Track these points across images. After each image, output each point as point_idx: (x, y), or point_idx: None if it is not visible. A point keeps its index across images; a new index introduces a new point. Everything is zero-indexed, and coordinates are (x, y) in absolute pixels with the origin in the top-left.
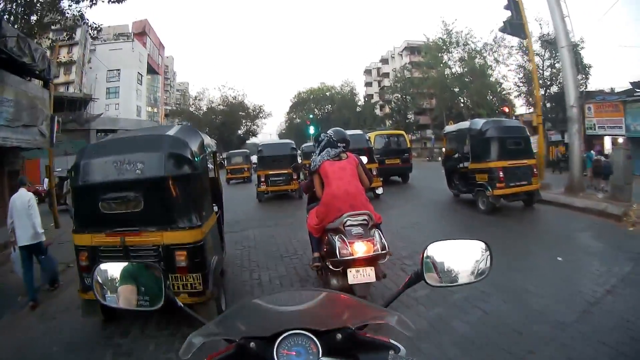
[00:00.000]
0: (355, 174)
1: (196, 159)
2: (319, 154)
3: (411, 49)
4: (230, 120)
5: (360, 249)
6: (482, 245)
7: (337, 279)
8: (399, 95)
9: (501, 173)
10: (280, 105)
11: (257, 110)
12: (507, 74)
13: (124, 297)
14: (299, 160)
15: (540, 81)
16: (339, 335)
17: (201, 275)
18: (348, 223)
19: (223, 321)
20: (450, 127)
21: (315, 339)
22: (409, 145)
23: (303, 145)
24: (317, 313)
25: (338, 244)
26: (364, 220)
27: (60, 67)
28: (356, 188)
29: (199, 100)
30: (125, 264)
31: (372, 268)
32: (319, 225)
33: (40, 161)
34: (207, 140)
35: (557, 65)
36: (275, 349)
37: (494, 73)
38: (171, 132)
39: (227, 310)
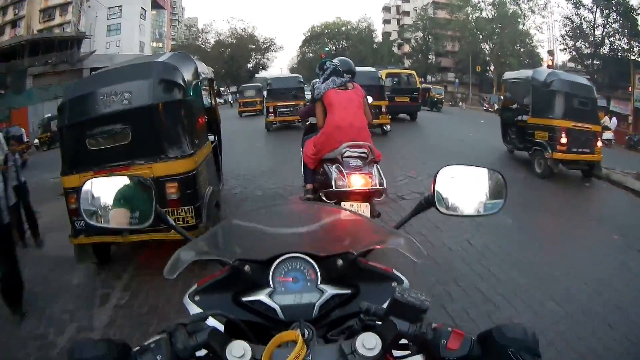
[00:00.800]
0: (361, 106)
1: (188, 84)
2: (324, 82)
3: None
4: (239, 54)
5: (357, 181)
6: (498, 175)
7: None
8: (422, 34)
9: (564, 134)
10: (293, 39)
11: (268, 44)
12: (541, 25)
13: (115, 218)
14: (307, 94)
15: (591, 38)
16: (340, 262)
17: (194, 208)
18: (347, 154)
19: (214, 240)
20: (510, 74)
21: (314, 264)
22: (418, 85)
23: (314, 81)
24: (317, 236)
25: (334, 174)
26: (364, 153)
27: (55, 9)
28: (361, 122)
29: (206, 33)
30: (115, 179)
31: (367, 205)
32: (316, 156)
33: (28, 109)
34: (202, 67)
35: (614, 25)
36: (271, 274)
37: (528, 22)
38: (161, 59)
39: (219, 226)
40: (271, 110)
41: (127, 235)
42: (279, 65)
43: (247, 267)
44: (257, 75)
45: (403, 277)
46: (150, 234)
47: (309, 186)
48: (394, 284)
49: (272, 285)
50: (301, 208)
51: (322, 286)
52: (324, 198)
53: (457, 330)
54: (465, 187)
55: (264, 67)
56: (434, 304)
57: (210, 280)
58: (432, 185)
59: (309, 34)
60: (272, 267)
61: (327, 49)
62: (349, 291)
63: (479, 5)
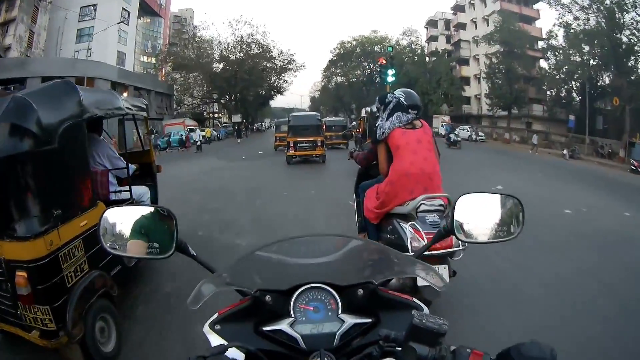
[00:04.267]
0: (432, 149)
1: (49, 129)
2: (387, 118)
3: None
4: (246, 70)
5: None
6: (515, 201)
7: (402, 279)
8: (503, 50)
9: None
10: (314, 59)
11: (287, 61)
12: None
13: (133, 247)
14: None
15: None
16: (361, 291)
17: (50, 309)
18: (422, 208)
19: (236, 270)
20: None
21: (335, 294)
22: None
23: (326, 119)
24: (338, 266)
25: (409, 234)
26: (441, 205)
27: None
28: (433, 167)
29: (196, 40)
30: (134, 208)
31: (446, 267)
32: (380, 210)
33: None
34: (108, 99)
35: None
36: (292, 304)
37: None
38: (21, 92)
39: (240, 258)
40: (292, 145)
41: None
42: (298, 90)
43: (268, 297)
44: (272, 105)
45: (422, 305)
46: (8, 326)
47: None
48: (413, 311)
49: (293, 315)
50: (321, 239)
51: (343, 315)
52: None
53: (477, 351)
54: (483, 214)
55: (279, 91)
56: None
57: (231, 309)
58: (451, 214)
59: (337, 51)
60: (293, 297)
61: (390, 48)
62: (369, 320)
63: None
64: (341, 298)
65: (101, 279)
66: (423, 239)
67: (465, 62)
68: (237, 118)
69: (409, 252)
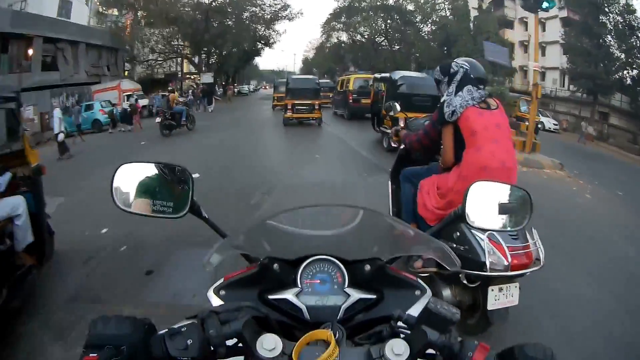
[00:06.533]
0: (511, 136)
1: None
2: (455, 93)
3: None
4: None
5: (519, 259)
6: (524, 192)
7: (459, 295)
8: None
9: None
10: (312, 15)
11: (279, 6)
12: None
13: (145, 206)
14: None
15: None
16: (368, 267)
17: None
18: None
19: (247, 237)
20: None
21: (342, 267)
22: None
23: (323, 80)
24: (347, 239)
25: (486, 247)
26: None
27: None
28: (513, 160)
29: None
30: (151, 165)
31: (517, 285)
32: (445, 211)
33: None
34: None
35: None
36: (299, 274)
37: None
38: None
39: (251, 226)
40: (289, 107)
41: None
42: (289, 47)
43: (275, 266)
44: (258, 62)
45: (426, 287)
46: None
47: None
48: (417, 292)
49: (299, 286)
50: (331, 209)
51: (348, 290)
52: (464, 281)
53: (484, 345)
54: (493, 203)
55: (268, 43)
56: None
57: (238, 275)
58: (464, 200)
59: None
60: (301, 268)
61: None
62: (374, 296)
63: None
64: (348, 272)
65: None
66: (505, 256)
67: (509, 24)
68: (207, 78)
69: (486, 271)
